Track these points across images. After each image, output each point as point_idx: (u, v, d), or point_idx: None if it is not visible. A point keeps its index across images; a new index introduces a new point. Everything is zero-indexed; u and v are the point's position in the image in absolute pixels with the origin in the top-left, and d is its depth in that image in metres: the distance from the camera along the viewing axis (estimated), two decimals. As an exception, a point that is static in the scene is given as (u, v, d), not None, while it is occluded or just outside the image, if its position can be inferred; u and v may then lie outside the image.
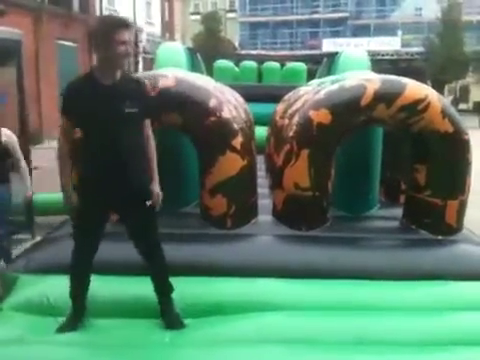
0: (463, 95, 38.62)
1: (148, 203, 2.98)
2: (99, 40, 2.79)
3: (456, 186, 3.97)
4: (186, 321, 3.07)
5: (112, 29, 2.75)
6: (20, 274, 3.50)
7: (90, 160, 2.93)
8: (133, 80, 3.02)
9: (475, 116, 25.81)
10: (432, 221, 4.00)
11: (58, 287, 3.24)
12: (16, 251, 4.48)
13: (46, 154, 12.10)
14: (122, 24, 2.79)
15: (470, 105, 37.08)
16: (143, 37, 26.32)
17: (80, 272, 3.05)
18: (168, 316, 3.04)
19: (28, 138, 5.81)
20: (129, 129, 2.89)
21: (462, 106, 33.35)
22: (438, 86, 27.03)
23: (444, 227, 3.98)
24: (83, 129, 2.93)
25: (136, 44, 22.99)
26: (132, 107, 2.83)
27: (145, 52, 25.88)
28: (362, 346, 2.90)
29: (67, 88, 2.91)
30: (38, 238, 4.82)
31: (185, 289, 3.22)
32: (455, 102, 31.86)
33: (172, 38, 32.30)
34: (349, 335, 2.97)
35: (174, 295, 3.11)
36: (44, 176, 8.62)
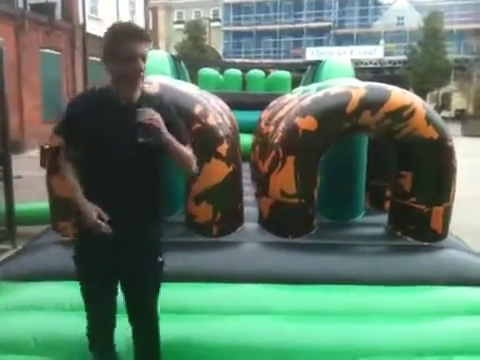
0: (445, 103, 39.19)
1: (160, 259, 2.47)
2: (106, 52, 2.23)
3: (441, 192, 3.98)
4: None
5: (119, 40, 2.17)
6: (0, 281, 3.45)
7: (92, 197, 2.27)
8: (156, 103, 2.31)
9: (457, 124, 26.16)
10: (417, 227, 4.01)
11: (38, 294, 3.24)
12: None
13: (27, 163, 11.96)
14: (131, 34, 2.18)
15: (452, 113, 37.63)
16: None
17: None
18: None
19: (9, 147, 5.69)
20: (143, 166, 2.29)
21: (444, 114, 33.80)
22: (420, 94, 27.33)
23: (429, 233, 3.99)
24: (87, 158, 2.30)
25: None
26: (147, 137, 2.19)
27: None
28: (346, 351, 2.89)
29: (72, 100, 2.43)
30: (19, 248, 4.73)
31: (170, 295, 3.20)
32: (437, 110, 32.25)
33: (156, 46, 32.29)
34: (334, 340, 2.95)
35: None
36: (26, 185, 8.51)
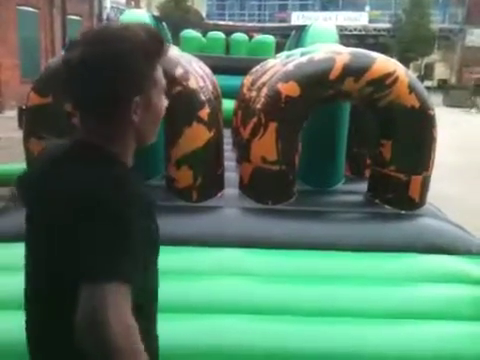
0: (428, 72, 39.24)
1: None
2: (141, 79, 1.37)
3: (420, 161, 4.00)
4: None
5: (152, 60, 1.38)
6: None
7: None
8: None
9: (439, 94, 26.26)
10: (396, 196, 4.04)
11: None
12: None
13: (5, 124, 11.75)
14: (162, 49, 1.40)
15: (434, 83, 37.73)
16: (107, 5, 25.61)
17: None
18: None
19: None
20: None
21: (426, 83, 33.86)
22: (404, 63, 27.27)
23: (407, 202, 4.03)
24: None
25: (100, 12, 22.37)
26: None
27: (109, 20, 25.20)
28: (326, 316, 2.95)
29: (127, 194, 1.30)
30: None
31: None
32: (420, 79, 32.29)
33: (137, 6, 31.53)
34: (313, 304, 3.02)
35: None
36: (3, 146, 8.37)
